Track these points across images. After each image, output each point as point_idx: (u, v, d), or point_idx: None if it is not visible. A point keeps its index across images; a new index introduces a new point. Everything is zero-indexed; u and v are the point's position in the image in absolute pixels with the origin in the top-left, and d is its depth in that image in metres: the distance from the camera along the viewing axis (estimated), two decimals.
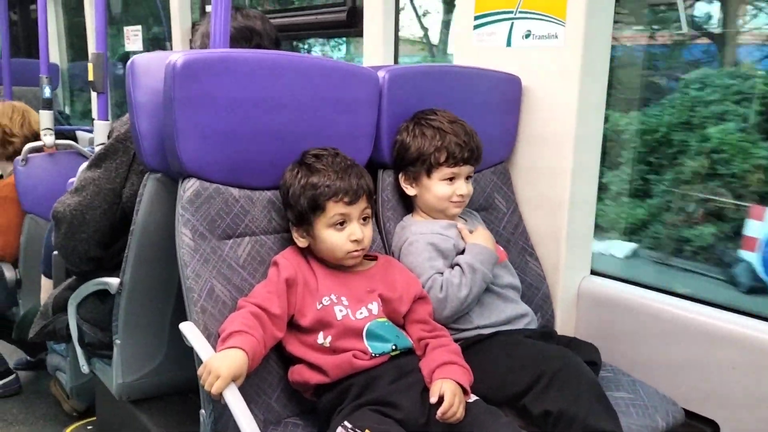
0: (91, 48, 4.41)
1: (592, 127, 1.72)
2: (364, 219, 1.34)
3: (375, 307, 1.30)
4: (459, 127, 1.50)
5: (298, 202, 1.31)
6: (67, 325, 1.73)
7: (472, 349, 1.40)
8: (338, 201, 1.30)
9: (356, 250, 1.32)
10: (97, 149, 2.03)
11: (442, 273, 1.44)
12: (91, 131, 3.89)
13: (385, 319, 1.31)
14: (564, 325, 1.76)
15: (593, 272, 1.81)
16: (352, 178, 1.31)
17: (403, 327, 1.35)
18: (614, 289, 1.73)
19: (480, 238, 1.50)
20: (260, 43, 1.72)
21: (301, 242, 1.35)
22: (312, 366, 1.26)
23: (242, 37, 1.66)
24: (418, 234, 1.48)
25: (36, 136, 2.71)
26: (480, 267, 1.43)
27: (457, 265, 1.45)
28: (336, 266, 1.35)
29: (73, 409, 2.65)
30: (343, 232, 1.31)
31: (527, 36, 1.70)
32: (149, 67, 1.37)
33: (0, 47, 3.31)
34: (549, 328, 1.68)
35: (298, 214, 1.32)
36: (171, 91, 1.24)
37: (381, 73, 1.52)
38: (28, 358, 3.05)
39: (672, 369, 1.57)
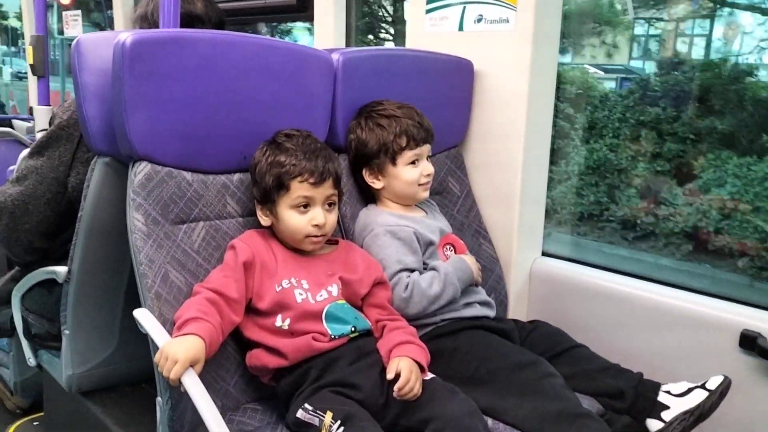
0: (29, 31, 4.23)
1: (543, 118, 1.74)
2: (330, 205, 1.33)
3: (335, 289, 1.30)
4: (408, 110, 1.52)
5: (264, 179, 1.30)
6: (12, 318, 1.66)
7: (435, 342, 1.40)
8: (303, 181, 1.28)
9: (317, 236, 1.31)
10: (38, 136, 1.95)
11: (410, 270, 1.44)
12: (27, 120, 3.74)
13: (344, 302, 1.30)
14: (517, 305, 1.80)
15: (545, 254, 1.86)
16: (319, 160, 1.30)
17: (361, 309, 1.35)
18: (564, 269, 1.78)
19: (469, 258, 1.53)
20: (203, 29, 1.67)
21: (265, 221, 1.34)
22: (270, 350, 1.25)
23: (183, 24, 1.60)
24: (384, 226, 1.47)
25: None
26: (455, 279, 1.44)
27: (434, 269, 1.46)
28: (297, 250, 1.34)
29: (16, 406, 2.55)
30: (305, 215, 1.30)
31: (479, 20, 1.72)
32: (97, 48, 1.32)
33: None
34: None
35: (263, 191, 1.31)
36: (120, 71, 1.20)
37: (335, 56, 1.51)
38: None
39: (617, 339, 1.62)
